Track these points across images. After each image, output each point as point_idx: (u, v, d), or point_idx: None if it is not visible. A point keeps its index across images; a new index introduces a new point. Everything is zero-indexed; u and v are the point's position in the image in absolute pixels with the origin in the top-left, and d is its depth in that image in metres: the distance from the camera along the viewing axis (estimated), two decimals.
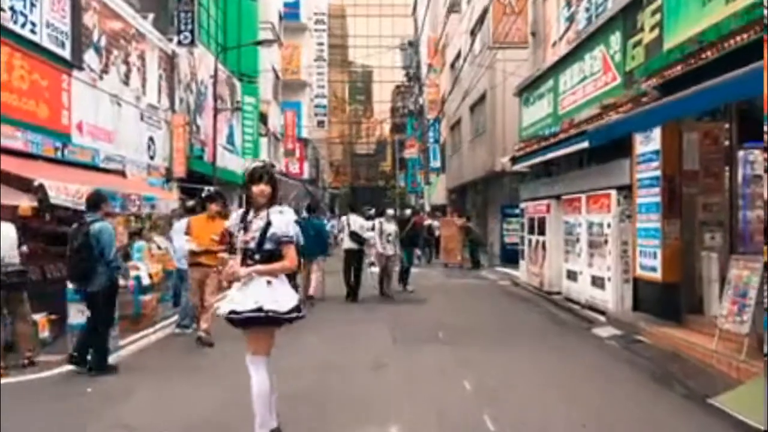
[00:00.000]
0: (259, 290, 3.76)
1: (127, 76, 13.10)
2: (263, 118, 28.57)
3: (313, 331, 9.33)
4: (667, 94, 7.35)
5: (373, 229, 12.74)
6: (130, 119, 13.27)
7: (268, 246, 3.83)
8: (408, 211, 16.53)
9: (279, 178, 4.10)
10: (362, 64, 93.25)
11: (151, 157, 14.48)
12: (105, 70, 12.03)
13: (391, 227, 12.71)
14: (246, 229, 3.89)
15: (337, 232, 22.35)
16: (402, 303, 11.87)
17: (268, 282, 3.79)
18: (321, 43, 47.53)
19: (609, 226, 9.87)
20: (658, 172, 8.52)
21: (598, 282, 10.29)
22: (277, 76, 31.35)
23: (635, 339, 8.21)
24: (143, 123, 14.00)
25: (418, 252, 13.81)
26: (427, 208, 32.77)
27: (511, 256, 20.55)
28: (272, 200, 3.96)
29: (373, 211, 15.76)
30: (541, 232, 13.32)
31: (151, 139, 14.47)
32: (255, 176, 3.92)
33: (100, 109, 11.83)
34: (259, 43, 19.26)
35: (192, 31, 15.82)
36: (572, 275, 11.51)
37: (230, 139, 22.50)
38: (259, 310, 3.72)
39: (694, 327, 7.89)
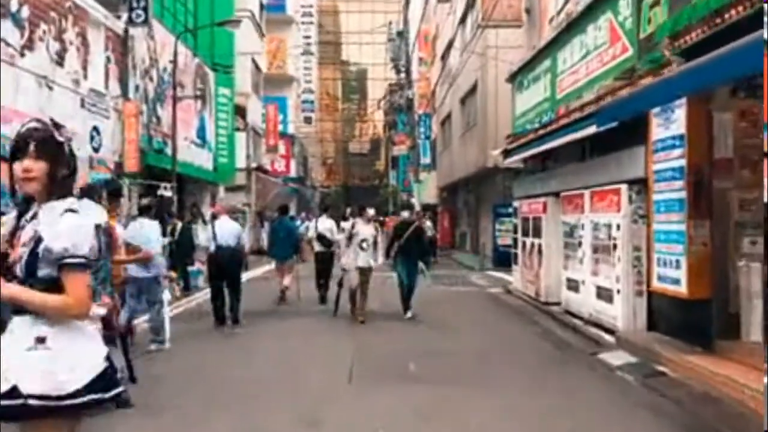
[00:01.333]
0: (16, 354, 2.07)
1: (60, 55, 11.41)
2: (241, 111, 26.85)
3: (250, 349, 7.64)
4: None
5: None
6: (66, 105, 11.56)
7: (42, 272, 2.11)
8: (406, 213, 11.92)
9: (68, 147, 1.77)
10: (356, 63, 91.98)
11: (95, 149, 12.77)
12: (28, 47, 10.33)
13: (367, 231, 9.92)
14: (12, 243, 2.16)
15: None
16: (374, 319, 10.17)
17: (39, 340, 2.08)
18: (308, 37, 45.80)
19: (618, 227, 8.22)
20: (681, 162, 6.86)
21: (604, 294, 8.64)
22: (257, 68, 29.62)
23: (655, 370, 6.56)
24: (84, 110, 12.31)
25: (422, 266, 10.28)
26: (418, 208, 31.06)
27: (504, 259, 18.89)
28: (53, 189, 2.20)
29: (348, 211, 14.14)
30: (537, 234, 11.67)
31: (95, 128, 12.78)
32: (18, 147, 2.16)
33: (23, 92, 10.13)
34: (222, 23, 17.49)
35: (146, 9, 14.09)
36: (573, 285, 9.86)
37: (201, 132, 20.79)
38: (11, 394, 2.03)
39: (730, 355, 6.26)
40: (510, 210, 19.61)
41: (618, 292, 8.20)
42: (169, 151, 16.99)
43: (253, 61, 28.52)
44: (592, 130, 7.56)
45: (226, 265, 8.97)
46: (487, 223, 20.92)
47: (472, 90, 22.09)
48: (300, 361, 7.15)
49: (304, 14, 45.04)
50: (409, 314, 10.00)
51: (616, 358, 7.27)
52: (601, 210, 8.76)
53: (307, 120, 45.51)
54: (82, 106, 12.17)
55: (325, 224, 11.82)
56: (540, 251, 11.49)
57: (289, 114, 41.20)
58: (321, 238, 11.56)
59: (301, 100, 45.48)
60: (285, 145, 40.65)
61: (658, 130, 7.35)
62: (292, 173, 41.99)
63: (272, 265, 13.78)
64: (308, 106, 45.81)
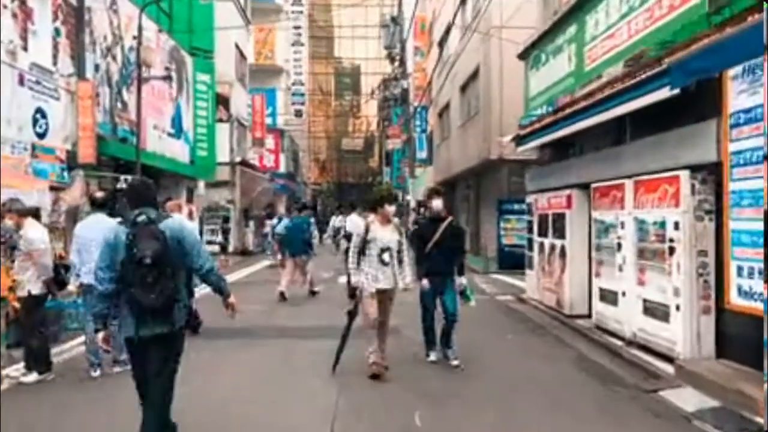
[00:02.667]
0: None
1: None
2: (223, 101, 24.97)
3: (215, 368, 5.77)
4: None
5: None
6: None
7: None
8: (436, 203, 7.14)
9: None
10: (348, 57, 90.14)
11: (40, 135, 10.89)
12: None
13: (388, 235, 6.35)
14: None
15: (330, 234, 19.00)
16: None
17: None
18: (298, 27, 43.89)
19: (676, 226, 6.44)
20: None
21: (655, 310, 6.86)
22: (242, 55, 27.71)
23: (748, 420, 4.80)
24: (24, 88, 10.42)
25: (462, 282, 6.95)
26: (413, 204, 29.28)
27: (510, 261, 17.16)
28: None
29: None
30: (559, 234, 9.89)
31: (39, 111, 10.89)
32: None
33: None
34: None
35: None
36: (609, 296, 8.08)
37: (176, 122, 18.90)
38: None
39: None
40: (516, 206, 17.90)
41: (677, 308, 6.41)
42: (135, 140, 15.15)
43: (237, 47, 26.63)
44: (660, 94, 5.74)
45: None
46: (491, 221, 19.13)
47: (474, 76, 20.29)
48: (276, 396, 5.34)
49: (294, 2, 43.11)
50: (454, 360, 6.70)
51: (686, 399, 5.50)
52: (650, 204, 6.98)
53: (298, 113, 43.61)
54: (21, 83, 10.29)
55: (355, 222, 11.68)
56: (563, 254, 9.71)
57: (278, 107, 39.35)
58: (350, 238, 10.62)
59: (291, 92, 43.60)
60: (274, 140, 38.82)
61: (739, 99, 5.57)
62: (282, 169, 40.16)
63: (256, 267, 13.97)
64: (298, 98, 43.90)
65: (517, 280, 15.23)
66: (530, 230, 11.46)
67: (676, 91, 5.42)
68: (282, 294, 11.63)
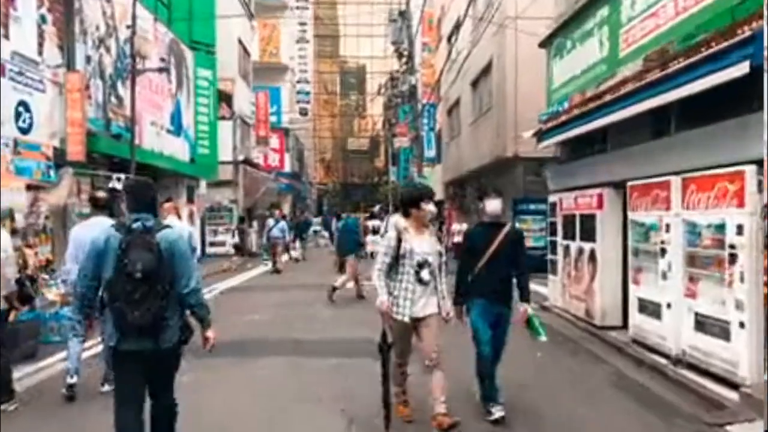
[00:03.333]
0: None
1: None
2: (226, 98, 24.18)
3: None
4: None
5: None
6: None
7: None
8: (494, 204, 5.24)
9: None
10: (353, 56, 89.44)
11: (23, 130, 10.08)
12: None
13: (426, 245, 4.85)
14: None
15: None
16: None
17: None
18: (303, 23, 43.11)
19: (740, 230, 5.55)
20: None
21: (711, 326, 5.97)
22: (245, 51, 26.90)
23: None
24: (5, 79, 9.60)
25: (529, 309, 5.26)
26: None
27: (527, 265, 16.28)
28: None
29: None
30: (588, 237, 9.00)
31: (22, 104, 10.08)
32: None
33: None
34: None
35: None
36: (650, 307, 7.19)
37: (175, 118, 18.09)
38: None
39: None
40: (532, 206, 17.03)
41: (741, 325, 5.52)
42: (136, 137, 14.35)
43: (241, 43, 25.81)
44: (733, 72, 4.85)
45: None
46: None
47: (486, 70, 19.41)
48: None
49: None
50: (497, 412, 4.96)
51: None
52: (704, 204, 6.09)
53: (303, 112, 42.84)
54: (2, 73, 9.46)
55: (400, 224, 10.89)
56: (592, 258, 8.82)
57: (283, 105, 38.55)
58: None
59: (296, 90, 42.81)
60: (279, 139, 38.07)
61: None
62: (287, 168, 39.37)
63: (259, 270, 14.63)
64: (303, 97, 43.14)
65: (535, 285, 14.39)
66: (553, 232, 10.58)
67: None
68: (333, 290, 11.76)
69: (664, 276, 6.81)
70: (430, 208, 4.88)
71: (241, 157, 24.99)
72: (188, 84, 19.39)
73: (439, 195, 29.34)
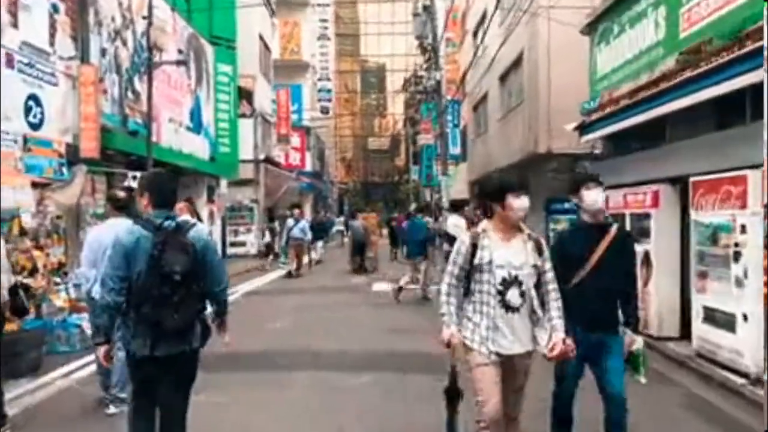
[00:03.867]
0: None
1: None
2: (246, 95, 23.62)
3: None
4: None
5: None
6: None
7: None
8: (594, 197, 3.95)
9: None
10: (374, 54, 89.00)
11: (34, 126, 9.54)
12: None
13: (516, 255, 3.45)
14: None
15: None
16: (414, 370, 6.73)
17: None
18: (324, 20, 42.58)
19: None
20: None
21: None
22: (266, 47, 26.35)
23: None
24: (14, 71, 9.07)
25: (636, 343, 4.01)
26: (445, 204, 27.74)
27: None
28: None
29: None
30: (640, 238, 8.21)
31: (32, 98, 9.54)
32: None
33: None
34: None
35: None
36: (720, 319, 6.40)
37: (195, 115, 17.55)
38: None
39: None
40: (568, 205, 16.20)
41: None
42: (153, 134, 13.83)
43: (261, 38, 25.26)
44: None
45: None
46: (537, 223, 17.41)
47: (516, 63, 18.61)
48: None
49: None
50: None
51: None
52: None
53: (324, 110, 42.25)
54: (10, 65, 8.92)
55: (457, 223, 11.69)
56: (646, 262, 8.03)
57: (304, 103, 38.01)
58: (450, 238, 10.92)
59: (317, 88, 42.27)
60: (300, 137, 37.57)
61: None
62: (308, 167, 38.84)
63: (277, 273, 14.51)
64: (325, 95, 42.59)
65: None
66: None
67: None
68: (399, 290, 11.56)
69: (739, 283, 6.03)
70: (522, 203, 3.45)
71: (262, 156, 24.44)
72: (208, 80, 18.85)
73: (463, 194, 28.57)
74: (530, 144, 16.77)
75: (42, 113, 9.72)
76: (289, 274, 16.20)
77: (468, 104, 27.98)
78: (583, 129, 9.84)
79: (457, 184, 28.41)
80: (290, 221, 16.63)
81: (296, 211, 17.29)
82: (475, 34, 25.97)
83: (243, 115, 23.51)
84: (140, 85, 13.79)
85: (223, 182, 20.66)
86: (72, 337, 7.44)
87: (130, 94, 13.16)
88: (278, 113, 28.22)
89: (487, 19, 22.50)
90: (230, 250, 22.69)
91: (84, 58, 11.21)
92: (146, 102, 13.49)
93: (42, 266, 8.56)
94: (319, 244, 21.77)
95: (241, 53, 23.21)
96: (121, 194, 5.51)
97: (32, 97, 9.49)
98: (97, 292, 4.76)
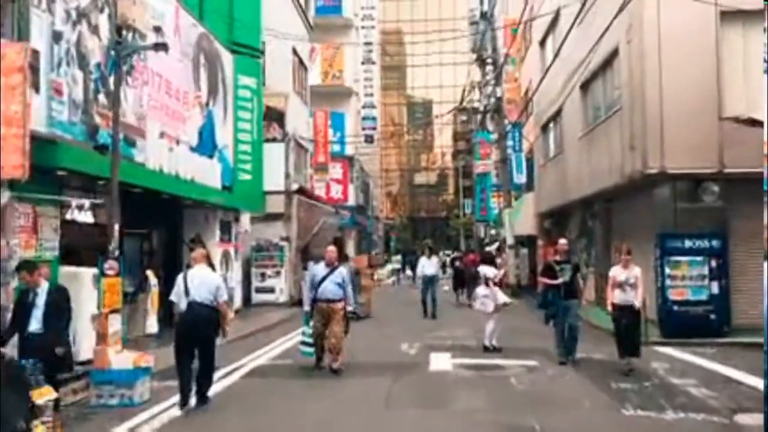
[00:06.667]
0: None
1: None
2: (277, 116, 20.35)
3: None
4: None
5: None
6: None
7: None
8: None
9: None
10: (420, 89, 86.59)
11: None
12: None
13: None
14: None
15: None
16: None
17: None
18: (369, 43, 39.59)
19: None
20: None
21: None
22: (301, 63, 23.12)
23: None
24: None
25: None
26: (510, 241, 23.62)
27: (682, 326, 11.52)
28: None
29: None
30: None
31: None
32: None
33: None
34: None
35: None
36: None
37: (206, 134, 14.19)
38: None
39: None
40: (689, 243, 12.03)
41: None
42: (135, 153, 10.47)
43: (295, 53, 22.03)
44: None
45: (198, 328, 6.79)
46: (642, 265, 13.20)
47: (606, 63, 14.72)
48: None
49: (364, 17, 38.88)
50: None
51: None
52: None
53: (368, 139, 38.87)
54: None
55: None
56: None
57: (348, 132, 34.74)
58: None
59: (361, 116, 39.06)
60: (342, 168, 34.27)
61: None
62: (350, 201, 35.34)
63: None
64: (369, 123, 39.32)
65: (693, 356, 9.69)
66: None
67: None
68: (486, 348, 10.21)
69: None
70: None
71: (294, 186, 20.95)
72: (225, 93, 15.54)
73: (530, 230, 24.41)
74: (632, 163, 12.75)
75: None
76: (317, 364, 8.99)
77: (534, 125, 24.06)
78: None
79: (522, 218, 24.30)
80: (316, 268, 9.10)
81: (330, 249, 9.23)
82: (542, 43, 22.22)
83: (273, 140, 20.22)
84: (124, 89, 10.46)
85: (245, 217, 17.17)
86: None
87: (102, 98, 9.79)
88: (315, 138, 24.84)
89: (562, 18, 18.77)
90: (256, 297, 19.15)
91: (22, 36, 7.90)
92: (129, 111, 10.18)
93: None
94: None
95: (272, 68, 20.03)
96: None
97: None
98: None
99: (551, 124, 21.30)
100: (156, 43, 9.43)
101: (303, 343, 8.89)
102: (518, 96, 28.22)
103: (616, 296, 8.88)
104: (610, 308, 9.13)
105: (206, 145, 14.14)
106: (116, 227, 8.41)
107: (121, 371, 7.00)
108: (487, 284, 10.85)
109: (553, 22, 20.35)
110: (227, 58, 15.84)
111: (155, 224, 13.35)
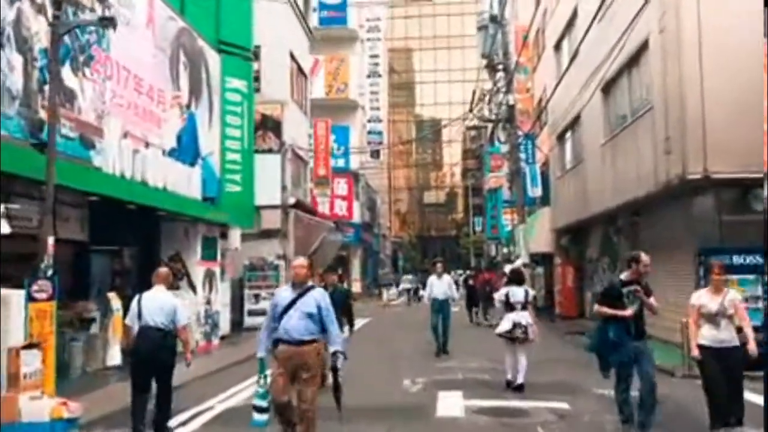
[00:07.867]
0: None
1: None
2: (273, 125, 18.93)
3: None
4: None
5: None
6: None
7: None
8: None
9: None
10: (429, 106, 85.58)
11: None
12: None
13: None
14: None
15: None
16: None
17: None
18: (375, 56, 38.32)
19: None
20: None
21: None
22: (300, 70, 21.71)
23: None
24: None
25: None
26: (523, 259, 21.99)
27: None
28: None
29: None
30: None
31: None
32: None
33: None
34: None
35: None
36: None
37: (186, 138, 12.72)
38: None
39: None
40: (738, 259, 10.34)
41: None
42: (93, 155, 9.00)
43: (293, 57, 20.62)
44: None
45: (152, 355, 6.15)
46: (679, 286, 11.55)
47: (633, 59, 13.18)
48: None
49: (370, 29, 37.66)
50: None
51: None
52: None
53: (374, 154, 37.45)
54: None
55: None
56: None
57: (351, 143, 33.37)
58: None
59: (366, 130, 37.68)
60: (347, 184, 32.86)
61: None
62: (356, 218, 33.85)
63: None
64: (375, 137, 37.93)
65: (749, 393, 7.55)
66: None
67: None
68: (509, 384, 8.51)
69: None
70: None
71: (291, 200, 19.44)
72: (210, 95, 14.11)
73: (546, 247, 22.72)
74: (668, 168, 11.13)
75: None
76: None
77: (548, 135, 22.51)
78: None
79: (537, 234, 22.63)
80: (278, 291, 6.07)
81: (298, 264, 5.77)
82: (557, 46, 20.76)
83: (268, 150, 18.79)
84: (80, 81, 9.02)
85: (235, 233, 15.63)
86: None
87: (45, 89, 8.32)
88: (315, 149, 23.35)
89: (579, 18, 17.32)
90: (248, 321, 17.54)
91: None
92: (87, 108, 8.72)
93: None
94: (345, 330, 8.89)
95: (267, 73, 18.70)
96: None
97: None
98: None
99: (568, 133, 19.76)
100: (102, 17, 7.96)
101: (255, 407, 5.59)
102: (530, 107, 26.73)
103: (704, 334, 6.07)
104: (695, 353, 6.16)
105: (187, 150, 12.67)
106: (50, 240, 6.88)
107: (33, 426, 5.42)
108: (518, 307, 8.83)
109: (569, 24, 18.94)
110: (213, 58, 14.43)
111: (127, 240, 11.85)
